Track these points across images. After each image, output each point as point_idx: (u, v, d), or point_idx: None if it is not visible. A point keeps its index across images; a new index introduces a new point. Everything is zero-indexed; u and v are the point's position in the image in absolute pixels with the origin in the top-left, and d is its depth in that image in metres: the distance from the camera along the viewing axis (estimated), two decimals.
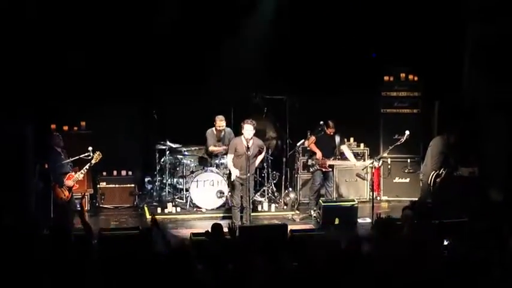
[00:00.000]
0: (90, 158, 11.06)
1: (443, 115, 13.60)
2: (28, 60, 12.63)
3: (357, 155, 13.05)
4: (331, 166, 12.41)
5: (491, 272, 7.26)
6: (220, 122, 12.81)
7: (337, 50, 13.75)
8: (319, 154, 12.26)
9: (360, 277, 7.02)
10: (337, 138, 12.38)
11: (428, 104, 13.78)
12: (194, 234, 9.81)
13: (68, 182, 11.01)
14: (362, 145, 13.50)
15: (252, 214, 11.83)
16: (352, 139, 13.58)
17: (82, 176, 11.19)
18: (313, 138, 12.45)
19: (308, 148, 12.65)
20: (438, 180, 11.53)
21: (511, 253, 7.79)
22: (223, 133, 12.91)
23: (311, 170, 12.41)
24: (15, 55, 12.49)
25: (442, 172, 11.60)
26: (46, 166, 11.18)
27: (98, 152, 11.09)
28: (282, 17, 13.81)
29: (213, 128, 12.94)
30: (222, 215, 12.53)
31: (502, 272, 7.26)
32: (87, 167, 11.11)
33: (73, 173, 11.08)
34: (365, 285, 6.95)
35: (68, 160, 11.09)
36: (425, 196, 11.85)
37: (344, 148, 12.53)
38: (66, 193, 11.05)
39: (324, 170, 12.28)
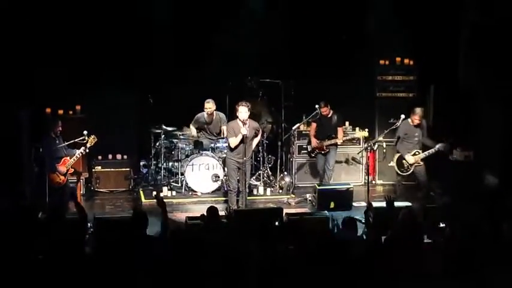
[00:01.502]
0: (85, 141, 11.05)
1: (439, 99, 13.61)
2: (24, 43, 12.59)
3: (352, 140, 13.09)
4: (329, 146, 12.51)
5: (485, 255, 7.31)
6: (207, 104, 12.82)
7: (333, 34, 13.72)
8: (313, 142, 12.49)
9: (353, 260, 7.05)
10: (335, 118, 12.47)
11: (424, 88, 13.77)
12: (190, 218, 9.85)
13: (61, 168, 10.99)
14: (357, 129, 13.49)
15: (248, 198, 11.87)
16: (347, 123, 13.56)
17: (76, 160, 11.15)
18: (314, 125, 12.58)
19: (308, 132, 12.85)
20: (404, 162, 11.73)
21: (505, 237, 7.83)
22: (214, 117, 12.94)
23: (312, 155, 12.73)
24: (11, 38, 12.45)
25: (414, 154, 11.69)
26: (40, 150, 11.15)
27: (92, 136, 11.07)
28: (278, 0, 13.81)
29: (204, 112, 12.98)
30: (217, 198, 12.54)
31: (496, 256, 7.29)
32: (82, 151, 11.09)
33: (68, 158, 11.05)
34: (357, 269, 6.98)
35: (63, 144, 11.06)
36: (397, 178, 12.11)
37: (339, 129, 12.59)
38: (62, 177, 11.04)
39: (323, 152, 12.47)
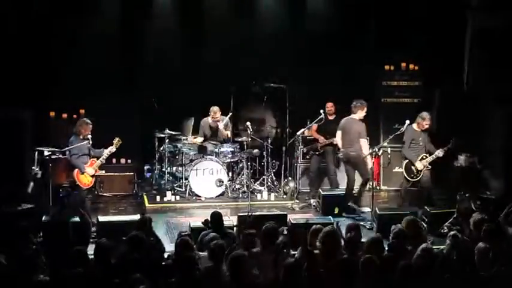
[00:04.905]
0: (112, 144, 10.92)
1: (444, 104, 13.57)
2: (29, 48, 12.60)
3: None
4: (325, 148, 12.61)
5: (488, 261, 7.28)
6: (215, 114, 12.86)
7: (337, 38, 13.71)
8: (321, 139, 12.59)
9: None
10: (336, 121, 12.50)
11: (429, 93, 13.75)
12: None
13: (89, 169, 10.80)
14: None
15: (251, 203, 11.84)
16: None
17: (103, 162, 10.98)
18: (315, 126, 12.66)
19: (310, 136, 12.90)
20: (413, 168, 11.58)
21: (509, 242, 7.82)
22: (219, 123, 12.96)
23: (307, 156, 12.93)
24: (16, 42, 12.47)
25: (421, 159, 11.60)
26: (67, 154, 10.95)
27: (117, 139, 10.90)
28: (281, 6, 13.82)
29: (208, 118, 12.96)
30: (221, 203, 12.49)
31: (501, 260, 7.27)
32: (107, 153, 10.91)
33: (94, 159, 10.86)
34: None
35: (81, 144, 10.77)
36: (403, 184, 11.98)
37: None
38: (90, 178, 10.85)
39: (318, 153, 12.63)
